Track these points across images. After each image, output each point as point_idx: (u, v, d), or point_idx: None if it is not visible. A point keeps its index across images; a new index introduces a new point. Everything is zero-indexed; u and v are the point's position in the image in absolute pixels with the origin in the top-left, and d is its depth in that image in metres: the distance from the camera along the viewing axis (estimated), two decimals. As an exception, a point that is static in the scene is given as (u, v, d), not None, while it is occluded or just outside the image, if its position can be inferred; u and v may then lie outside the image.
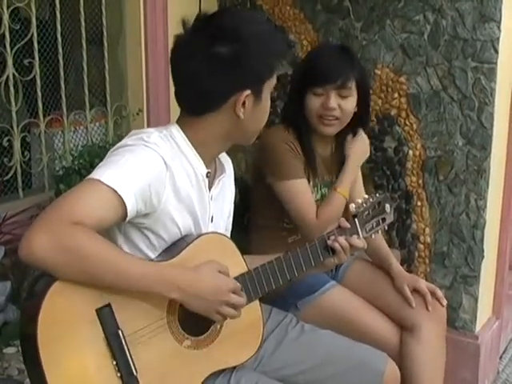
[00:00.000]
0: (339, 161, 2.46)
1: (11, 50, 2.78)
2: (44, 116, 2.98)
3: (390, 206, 2.11)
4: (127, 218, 1.57)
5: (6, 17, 2.73)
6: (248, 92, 1.66)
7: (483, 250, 2.96)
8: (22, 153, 2.89)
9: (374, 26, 3.03)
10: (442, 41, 2.86)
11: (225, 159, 1.91)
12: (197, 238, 1.70)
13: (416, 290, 2.35)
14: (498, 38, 2.74)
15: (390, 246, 2.97)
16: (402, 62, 2.98)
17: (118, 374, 1.51)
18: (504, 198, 3.14)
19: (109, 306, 1.51)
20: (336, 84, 2.27)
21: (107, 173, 1.53)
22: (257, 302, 1.79)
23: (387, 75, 3.01)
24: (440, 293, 2.36)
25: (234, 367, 1.77)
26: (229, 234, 1.94)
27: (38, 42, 2.92)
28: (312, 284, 2.29)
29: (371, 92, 3.01)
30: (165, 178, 1.62)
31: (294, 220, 2.31)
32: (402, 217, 3.11)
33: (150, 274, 1.54)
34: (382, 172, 3.11)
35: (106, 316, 1.50)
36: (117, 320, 1.51)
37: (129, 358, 1.52)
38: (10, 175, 2.86)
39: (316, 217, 2.28)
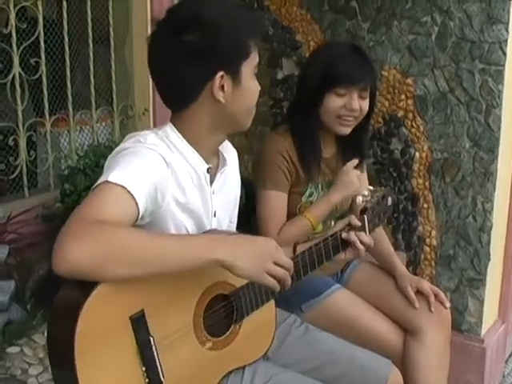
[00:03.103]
0: (342, 162, 2.44)
1: (18, 49, 2.79)
2: (50, 115, 2.99)
3: (392, 200, 2.11)
4: (138, 217, 1.55)
5: (12, 16, 2.74)
6: (221, 73, 1.64)
7: (489, 253, 2.94)
8: (28, 152, 2.89)
9: (381, 27, 3.02)
10: (449, 42, 2.85)
11: (228, 150, 1.90)
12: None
13: (419, 292, 2.35)
14: (506, 40, 2.73)
15: (395, 249, 2.96)
16: (409, 64, 2.97)
17: (147, 380, 1.50)
18: (511, 201, 3.12)
19: (142, 311, 1.49)
20: (360, 86, 2.27)
21: (114, 173, 1.52)
22: (272, 301, 1.81)
23: (394, 77, 3.00)
24: (443, 295, 2.35)
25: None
26: (234, 226, 1.95)
27: (45, 42, 2.92)
28: (317, 287, 2.28)
29: (378, 93, 3.01)
30: (167, 177, 1.62)
31: (258, 228, 2.31)
32: (409, 219, 3.09)
33: (195, 243, 1.53)
34: (389, 174, 3.10)
35: (139, 323, 1.48)
36: (148, 327, 1.50)
37: (158, 364, 1.52)
38: (15, 174, 2.86)
39: (278, 233, 2.27)
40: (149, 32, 3.16)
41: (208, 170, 1.74)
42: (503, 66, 2.75)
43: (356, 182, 2.29)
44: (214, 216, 1.80)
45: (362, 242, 1.91)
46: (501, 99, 2.78)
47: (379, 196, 2.05)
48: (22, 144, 2.85)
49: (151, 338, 1.50)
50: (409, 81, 2.98)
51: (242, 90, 1.69)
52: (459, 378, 2.93)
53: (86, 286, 1.42)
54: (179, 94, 1.69)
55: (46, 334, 2.14)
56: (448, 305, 2.35)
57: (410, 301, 2.33)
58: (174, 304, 1.56)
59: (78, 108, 3.15)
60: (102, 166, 2.58)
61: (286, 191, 2.31)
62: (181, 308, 1.58)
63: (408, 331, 2.32)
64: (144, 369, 1.50)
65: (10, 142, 2.83)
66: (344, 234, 1.91)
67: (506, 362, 3.45)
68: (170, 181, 1.63)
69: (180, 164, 1.67)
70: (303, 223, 2.28)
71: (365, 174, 2.56)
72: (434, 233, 3.04)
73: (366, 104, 2.31)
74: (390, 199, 2.09)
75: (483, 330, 3.05)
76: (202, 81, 1.66)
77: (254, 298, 1.72)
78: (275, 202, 2.30)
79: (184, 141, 1.70)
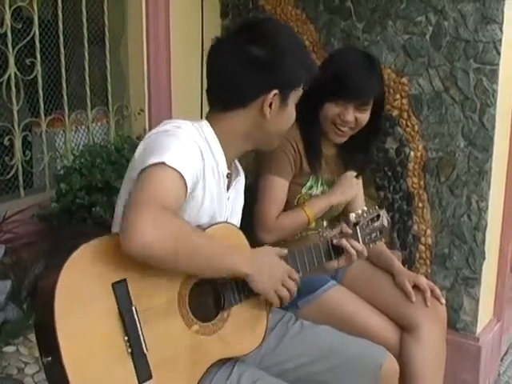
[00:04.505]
0: (341, 162, 2.49)
1: (13, 49, 2.78)
2: (45, 115, 2.99)
3: (387, 221, 2.16)
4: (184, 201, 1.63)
5: (8, 16, 2.73)
6: (275, 92, 1.74)
7: (484, 252, 2.95)
8: (24, 152, 2.89)
9: (375, 27, 3.02)
10: (444, 42, 2.86)
11: (239, 166, 1.97)
12: (210, 226, 1.73)
13: (415, 287, 2.36)
14: (500, 40, 2.74)
15: (391, 248, 2.98)
16: (404, 63, 2.98)
17: (129, 350, 1.51)
18: (506, 200, 3.13)
19: (125, 281, 1.52)
20: (355, 100, 2.30)
21: (169, 156, 1.57)
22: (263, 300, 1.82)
23: (389, 76, 3.01)
24: (439, 291, 2.37)
25: (236, 361, 1.79)
26: None
27: (40, 42, 2.92)
28: (312, 283, 2.29)
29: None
30: (201, 168, 1.68)
31: (256, 212, 2.33)
32: (404, 218, 3.10)
33: (232, 252, 1.67)
34: (384, 173, 3.11)
35: (121, 291, 1.51)
36: (131, 296, 1.52)
37: (141, 335, 1.52)
38: (11, 174, 2.86)
39: (275, 220, 2.30)
40: (144, 32, 3.17)
41: (228, 175, 1.81)
42: (497, 65, 2.76)
43: (355, 188, 2.44)
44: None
45: (354, 247, 1.97)
46: (495, 98, 2.79)
47: (373, 215, 2.10)
48: (18, 144, 2.85)
49: (133, 307, 1.52)
50: (404, 80, 2.99)
51: (285, 113, 1.81)
52: (455, 376, 2.93)
53: (66, 254, 1.46)
54: (230, 97, 1.78)
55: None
56: (443, 301, 2.36)
57: (407, 294, 2.34)
58: (158, 281, 1.57)
59: (73, 108, 3.15)
60: (98, 166, 2.62)
61: (288, 180, 2.35)
62: (165, 285, 1.60)
63: (404, 328, 2.33)
64: (126, 338, 1.50)
65: (6, 142, 2.82)
66: (335, 240, 1.96)
67: (502, 360, 3.46)
68: (201, 171, 1.69)
69: (209, 161, 1.73)
70: (301, 216, 2.34)
71: (361, 196, 2.58)
72: (429, 232, 3.05)
73: (364, 116, 2.34)
74: (385, 219, 2.14)
75: (478, 329, 3.05)
76: (258, 91, 1.75)
77: (237, 290, 1.75)
78: (277, 187, 2.33)
79: (216, 139, 1.77)
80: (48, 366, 1.47)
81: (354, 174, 2.45)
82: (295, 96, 1.82)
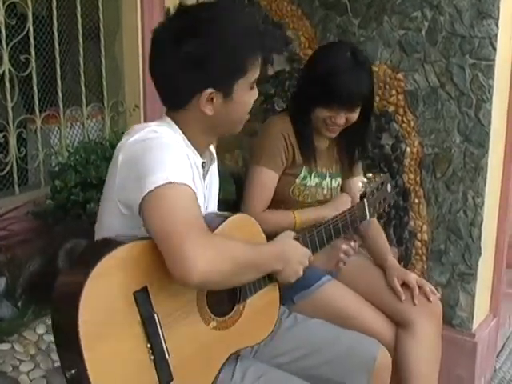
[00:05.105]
0: (334, 156, 2.52)
1: (7, 45, 2.77)
2: (40, 112, 2.97)
3: (391, 187, 2.20)
4: None
5: (1, 12, 2.72)
6: (210, 91, 1.64)
7: (480, 248, 2.95)
8: (18, 149, 2.88)
9: (371, 23, 3.01)
10: (439, 37, 2.85)
11: (213, 150, 1.92)
12: (226, 217, 1.75)
13: (406, 284, 2.37)
14: (496, 35, 2.73)
15: (387, 244, 2.97)
16: (400, 59, 2.97)
17: (152, 357, 1.51)
18: (501, 196, 3.13)
19: (145, 288, 1.51)
20: (346, 106, 2.31)
21: (173, 172, 1.52)
22: (275, 283, 1.85)
23: (385, 72, 3.00)
24: (428, 288, 2.36)
25: (237, 356, 1.80)
26: None
27: (35, 38, 2.90)
28: (308, 278, 2.28)
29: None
30: (190, 168, 1.66)
31: (242, 203, 2.35)
32: (400, 214, 3.10)
33: (272, 256, 1.73)
34: (380, 169, 3.10)
35: (142, 299, 1.50)
36: (152, 303, 1.52)
37: (163, 341, 1.52)
38: (5, 171, 2.84)
39: (261, 211, 2.31)
40: (139, 28, 3.16)
41: (203, 164, 1.78)
42: (493, 60, 2.75)
43: (349, 206, 2.37)
44: (206, 210, 1.83)
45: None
46: (491, 94, 2.78)
47: (378, 182, 2.13)
48: (12, 141, 2.84)
49: (155, 315, 1.51)
50: (399, 76, 2.98)
51: (233, 104, 1.70)
52: (450, 372, 2.94)
53: (85, 264, 1.44)
54: (171, 98, 1.72)
55: (37, 330, 2.15)
56: (432, 298, 2.35)
57: (396, 294, 2.34)
58: (176, 282, 1.56)
59: (68, 104, 3.13)
60: (93, 163, 2.61)
61: (277, 172, 2.36)
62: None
63: (399, 324, 2.34)
64: (149, 345, 1.50)
65: (0, 139, 2.81)
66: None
67: (498, 356, 3.46)
68: (192, 173, 1.66)
69: (191, 156, 1.70)
70: (288, 217, 2.35)
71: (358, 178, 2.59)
72: (425, 228, 3.05)
73: (354, 115, 2.35)
74: (389, 186, 2.18)
75: (474, 325, 3.05)
76: (190, 92, 1.67)
77: (257, 281, 1.76)
78: (265, 178, 2.34)
79: (182, 135, 1.72)
80: (72, 380, 1.45)
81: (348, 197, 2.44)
82: (245, 83, 1.69)
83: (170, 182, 1.49)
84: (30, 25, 2.85)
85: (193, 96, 1.66)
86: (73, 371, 1.43)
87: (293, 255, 1.78)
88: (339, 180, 2.55)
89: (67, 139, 3.11)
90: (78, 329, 1.38)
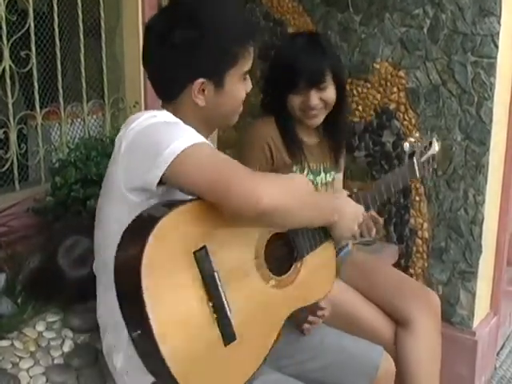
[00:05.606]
0: (327, 149, 2.47)
1: (8, 41, 2.75)
2: (41, 108, 2.96)
3: (439, 146, 2.19)
4: None
5: (2, 8, 2.71)
6: (201, 81, 1.65)
7: (481, 246, 2.95)
8: (19, 145, 2.86)
9: (373, 20, 3.01)
10: (441, 35, 2.85)
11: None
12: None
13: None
14: (498, 33, 2.73)
15: (388, 241, 2.97)
16: (401, 56, 2.97)
17: (214, 316, 1.51)
18: (502, 194, 3.13)
19: (204, 248, 1.51)
20: (312, 83, 2.27)
21: (187, 137, 1.52)
22: (331, 241, 1.87)
23: (386, 69, 3.00)
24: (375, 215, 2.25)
25: None
26: None
27: (35, 34, 2.89)
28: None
29: (369, 86, 3.01)
30: None
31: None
32: (401, 211, 3.10)
33: (330, 204, 1.78)
34: (380, 166, 3.10)
35: (202, 258, 1.50)
36: (212, 262, 1.52)
37: (224, 300, 1.53)
38: (6, 167, 2.83)
39: None
40: (140, 24, 3.15)
41: None
42: (495, 58, 2.75)
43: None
44: None
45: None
46: (492, 92, 2.78)
47: (426, 142, 2.14)
48: (13, 137, 2.83)
49: (215, 273, 1.51)
50: (401, 73, 2.98)
51: (225, 95, 1.70)
52: (451, 370, 2.93)
53: (142, 231, 1.45)
54: (163, 89, 1.73)
55: (36, 327, 2.14)
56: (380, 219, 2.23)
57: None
58: (235, 241, 1.58)
59: (68, 101, 3.12)
60: (93, 159, 2.60)
61: None
62: (242, 245, 1.61)
63: (399, 322, 2.34)
64: (211, 304, 1.50)
65: (1, 135, 2.80)
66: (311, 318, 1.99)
67: (498, 354, 3.47)
68: None
69: None
70: None
71: (340, 175, 2.57)
72: (425, 225, 3.04)
73: (327, 93, 2.30)
74: (436, 145, 2.17)
75: (475, 323, 3.05)
76: (182, 82, 1.67)
77: (313, 237, 1.79)
78: None
79: None
80: (137, 340, 1.46)
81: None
82: (236, 73, 1.70)
83: (191, 145, 1.49)
84: (30, 21, 2.83)
85: (185, 86, 1.67)
86: (138, 331, 1.45)
87: (347, 209, 1.82)
88: (334, 174, 2.53)
89: (68, 135, 3.10)
90: (142, 293, 1.39)
